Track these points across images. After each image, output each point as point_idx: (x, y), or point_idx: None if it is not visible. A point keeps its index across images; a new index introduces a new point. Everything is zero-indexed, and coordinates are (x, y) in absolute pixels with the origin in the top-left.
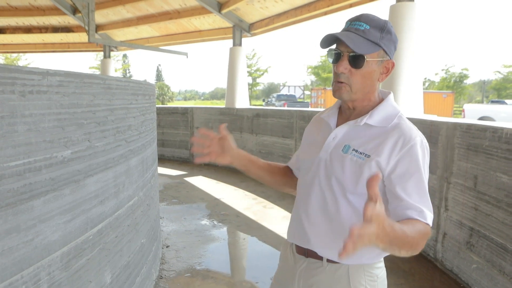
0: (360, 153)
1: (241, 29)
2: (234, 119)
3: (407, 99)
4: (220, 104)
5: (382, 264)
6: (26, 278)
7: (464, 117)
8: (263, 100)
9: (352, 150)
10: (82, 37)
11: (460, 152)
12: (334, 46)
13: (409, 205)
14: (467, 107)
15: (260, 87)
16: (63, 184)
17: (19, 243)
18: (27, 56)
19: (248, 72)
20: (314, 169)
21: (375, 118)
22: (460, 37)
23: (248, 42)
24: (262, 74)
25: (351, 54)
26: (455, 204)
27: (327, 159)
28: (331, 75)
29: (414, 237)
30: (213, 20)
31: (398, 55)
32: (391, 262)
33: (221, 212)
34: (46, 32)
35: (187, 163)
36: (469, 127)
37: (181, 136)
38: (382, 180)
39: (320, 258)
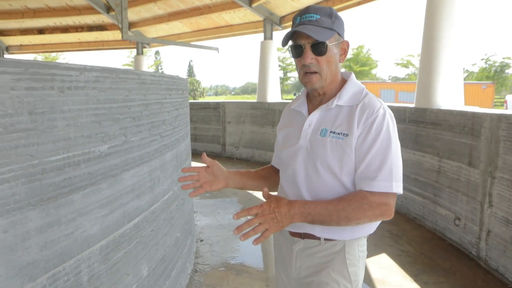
0: (338, 133)
1: (271, 23)
2: (266, 113)
3: (446, 90)
4: (251, 99)
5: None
6: (68, 270)
7: (506, 108)
8: (294, 94)
9: (330, 132)
10: (115, 34)
11: (506, 145)
12: (290, 43)
13: (362, 175)
14: (510, 98)
15: (291, 81)
16: (101, 179)
17: (61, 236)
18: (65, 55)
19: (280, 66)
20: (296, 158)
21: (343, 98)
22: (500, 25)
23: (279, 35)
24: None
25: (313, 43)
26: (501, 200)
27: (307, 146)
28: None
29: (340, 210)
30: (243, 14)
31: (436, 45)
32: (430, 260)
33: None
34: (82, 31)
35: (219, 157)
36: None
37: (213, 131)
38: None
39: (317, 237)
